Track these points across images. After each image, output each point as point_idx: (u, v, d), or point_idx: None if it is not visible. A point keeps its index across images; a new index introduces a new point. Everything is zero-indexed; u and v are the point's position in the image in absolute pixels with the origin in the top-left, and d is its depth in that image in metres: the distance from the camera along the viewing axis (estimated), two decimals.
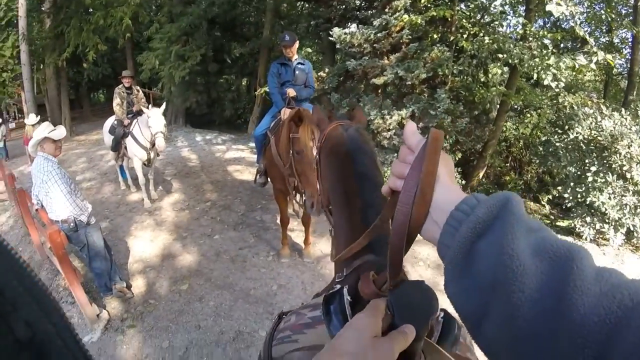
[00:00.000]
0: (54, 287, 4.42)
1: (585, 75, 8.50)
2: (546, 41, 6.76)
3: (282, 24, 14.63)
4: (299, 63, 4.99)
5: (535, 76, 6.66)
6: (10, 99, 21.24)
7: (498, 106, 9.29)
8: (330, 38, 7.83)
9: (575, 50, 6.64)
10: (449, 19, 7.44)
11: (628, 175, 6.07)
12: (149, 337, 3.68)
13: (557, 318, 0.40)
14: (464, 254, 0.49)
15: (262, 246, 5.37)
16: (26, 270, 0.39)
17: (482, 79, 9.45)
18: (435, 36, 7.53)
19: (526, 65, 6.33)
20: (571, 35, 7.10)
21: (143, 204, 6.65)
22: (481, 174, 9.41)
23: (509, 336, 0.43)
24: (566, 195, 6.67)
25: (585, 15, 10.64)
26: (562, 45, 8.75)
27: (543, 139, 9.39)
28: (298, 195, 4.47)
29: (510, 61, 6.60)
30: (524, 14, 7.64)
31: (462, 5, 8.32)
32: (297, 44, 4.92)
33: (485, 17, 8.01)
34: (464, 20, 7.27)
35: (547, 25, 10.82)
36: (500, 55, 6.62)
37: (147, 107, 6.32)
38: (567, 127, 7.35)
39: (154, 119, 5.83)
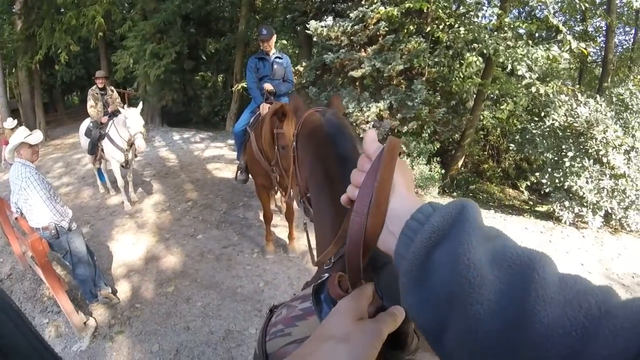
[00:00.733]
0: (38, 297, 4.32)
1: (560, 63, 8.61)
2: (521, 31, 6.86)
3: (257, 18, 14.51)
4: (276, 57, 4.97)
5: (509, 67, 6.75)
6: None
7: (475, 96, 9.41)
8: (306, 31, 7.81)
9: (550, 39, 6.72)
10: (425, 11, 7.48)
11: (604, 160, 6.20)
12: (138, 342, 3.64)
13: (519, 331, 0.37)
14: (419, 264, 0.47)
15: (246, 243, 5.36)
16: None
17: (458, 70, 9.54)
18: (411, 27, 7.55)
19: (501, 55, 6.41)
20: (546, 25, 7.20)
21: (123, 207, 6.54)
22: (460, 163, 9.53)
23: (468, 350, 0.41)
24: (544, 181, 6.79)
25: (560, 4, 10.84)
26: (537, 35, 8.87)
27: (520, 126, 9.55)
28: (280, 191, 4.47)
29: (485, 51, 6.66)
30: (499, 4, 7.71)
31: None
32: (274, 38, 4.91)
33: (461, 7, 8.06)
34: (439, 11, 7.30)
35: (522, 16, 10.97)
36: (475, 45, 6.68)
37: (123, 107, 6.22)
38: (543, 114, 7.48)
39: (132, 119, 5.73)
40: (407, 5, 6.57)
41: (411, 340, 0.75)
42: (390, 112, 7.16)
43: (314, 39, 8.20)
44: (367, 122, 7.06)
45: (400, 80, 7.68)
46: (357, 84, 7.92)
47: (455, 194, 8.51)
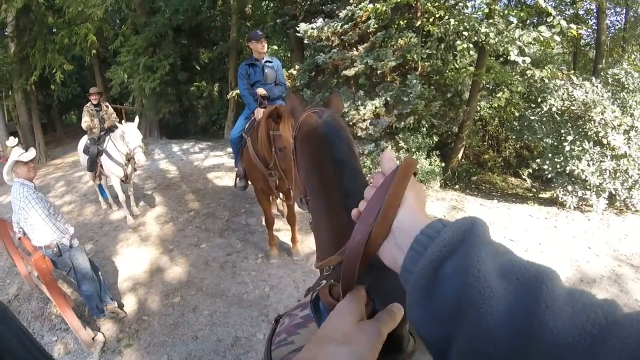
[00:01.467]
0: (46, 315, 4.33)
1: (553, 48, 8.61)
2: (512, 18, 6.83)
3: (248, 25, 14.50)
4: (266, 61, 4.96)
5: (501, 50, 6.73)
6: None
7: (470, 87, 9.39)
8: (297, 34, 7.79)
9: (540, 24, 6.70)
10: (414, 5, 7.47)
11: (604, 141, 6.16)
12: (146, 354, 3.64)
13: (529, 340, 0.38)
14: (428, 278, 0.47)
15: (250, 250, 5.35)
16: None
17: (452, 62, 9.52)
18: (401, 23, 7.52)
19: (492, 41, 6.39)
20: (536, 11, 7.18)
21: (126, 221, 6.55)
22: (460, 155, 9.49)
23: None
24: (545, 167, 6.75)
25: None
26: (527, 21, 8.84)
27: (517, 114, 9.52)
28: (280, 195, 4.47)
29: (476, 38, 6.64)
30: None
31: None
32: (265, 41, 4.91)
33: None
34: (428, 5, 7.28)
35: (511, 3, 10.94)
36: (465, 34, 6.64)
37: (120, 122, 6.23)
38: (539, 100, 7.45)
39: (130, 134, 5.74)
40: (395, 1, 6.56)
41: (407, 342, 0.75)
42: (387, 108, 7.14)
43: (305, 42, 8.20)
44: (364, 121, 7.04)
45: (394, 76, 7.66)
46: (351, 83, 7.91)
47: (457, 186, 8.48)
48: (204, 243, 5.68)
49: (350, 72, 7.10)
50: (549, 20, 6.02)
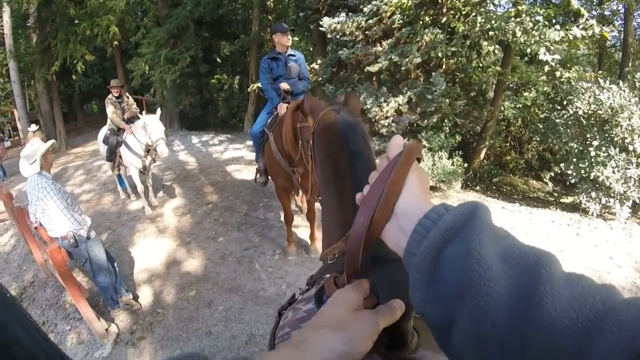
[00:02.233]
0: (60, 304, 4.35)
1: (579, 49, 8.40)
2: (539, 17, 6.66)
3: (269, 18, 14.48)
4: (289, 55, 4.87)
5: (529, 50, 6.56)
6: (3, 117, 21.19)
7: (494, 86, 9.21)
8: (320, 29, 7.71)
9: (568, 23, 6.53)
10: (440, 1, 7.33)
11: (630, 148, 5.98)
12: (160, 347, 3.61)
13: (527, 322, 0.38)
14: (430, 261, 0.47)
15: (267, 245, 5.30)
16: None
17: (476, 60, 9.36)
18: (427, 19, 7.39)
19: (519, 40, 6.24)
20: (563, 10, 6.99)
21: (144, 212, 6.57)
22: (482, 155, 9.34)
23: (477, 343, 0.42)
24: (570, 172, 6.58)
25: None
26: (554, 21, 8.65)
27: (542, 116, 9.32)
28: (302, 192, 4.40)
29: (502, 38, 6.50)
30: None
31: None
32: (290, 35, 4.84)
33: None
34: (455, 1, 7.14)
35: (538, 2, 10.70)
36: (491, 33, 6.50)
37: (141, 114, 6.24)
38: (565, 102, 7.27)
39: (152, 126, 5.74)
40: None
41: (411, 338, 0.76)
42: (410, 106, 7.02)
43: (328, 36, 8.09)
44: (386, 118, 6.94)
45: (417, 73, 7.52)
46: (373, 79, 7.79)
47: (478, 187, 8.34)
48: (221, 237, 5.65)
49: (373, 68, 7.00)
50: (580, 20, 5.84)
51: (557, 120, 7.09)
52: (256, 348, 3.51)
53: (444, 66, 7.66)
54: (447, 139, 7.48)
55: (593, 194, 6.24)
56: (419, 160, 0.63)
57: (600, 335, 0.34)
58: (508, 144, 11.18)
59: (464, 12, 7.10)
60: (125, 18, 12.30)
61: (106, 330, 3.72)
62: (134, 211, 6.80)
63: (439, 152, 7.32)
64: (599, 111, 6.31)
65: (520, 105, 10.13)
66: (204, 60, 14.19)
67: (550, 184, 9.77)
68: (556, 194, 8.70)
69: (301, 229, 5.54)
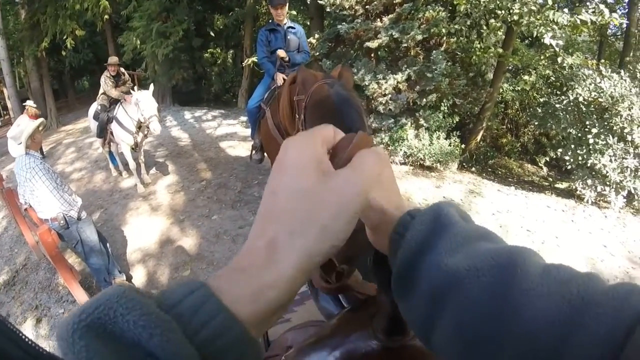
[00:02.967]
0: (53, 286, 4.28)
1: (579, 35, 8.33)
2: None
3: None
4: (289, 27, 4.72)
5: (534, 33, 6.47)
6: None
7: (494, 68, 9.12)
8: (319, 1, 7.53)
9: (576, 8, 6.42)
10: None
11: (629, 138, 6.01)
12: None
13: (503, 324, 0.36)
14: (402, 280, 0.46)
15: None
16: None
17: (476, 40, 9.23)
18: None
19: (524, 21, 6.13)
20: None
21: (137, 190, 6.45)
22: (479, 137, 9.31)
23: (456, 348, 0.41)
24: (567, 158, 6.61)
25: None
26: (557, 6, 8.54)
27: (541, 100, 9.26)
28: None
29: (508, 18, 6.38)
30: None
31: None
32: (287, 6, 4.67)
33: None
34: None
35: None
36: (498, 12, 6.38)
37: (133, 89, 6.08)
38: (565, 88, 7.24)
39: (145, 102, 5.58)
40: None
41: None
42: (409, 84, 6.92)
43: (327, 10, 7.91)
44: (384, 95, 6.84)
45: (417, 51, 7.40)
46: (372, 55, 7.65)
47: (474, 169, 8.31)
48: (215, 214, 5.57)
49: (373, 44, 6.86)
50: (589, 5, 5.74)
51: (557, 105, 7.06)
52: None
53: (444, 45, 7.53)
54: (445, 119, 7.42)
55: (589, 182, 6.28)
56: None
57: (579, 331, 0.33)
58: (505, 127, 11.13)
59: None
60: None
61: None
62: (126, 189, 6.68)
63: (437, 132, 7.25)
64: (599, 99, 6.31)
65: (519, 88, 10.05)
66: (197, 34, 13.86)
67: (545, 169, 9.79)
68: (550, 179, 8.73)
69: None
